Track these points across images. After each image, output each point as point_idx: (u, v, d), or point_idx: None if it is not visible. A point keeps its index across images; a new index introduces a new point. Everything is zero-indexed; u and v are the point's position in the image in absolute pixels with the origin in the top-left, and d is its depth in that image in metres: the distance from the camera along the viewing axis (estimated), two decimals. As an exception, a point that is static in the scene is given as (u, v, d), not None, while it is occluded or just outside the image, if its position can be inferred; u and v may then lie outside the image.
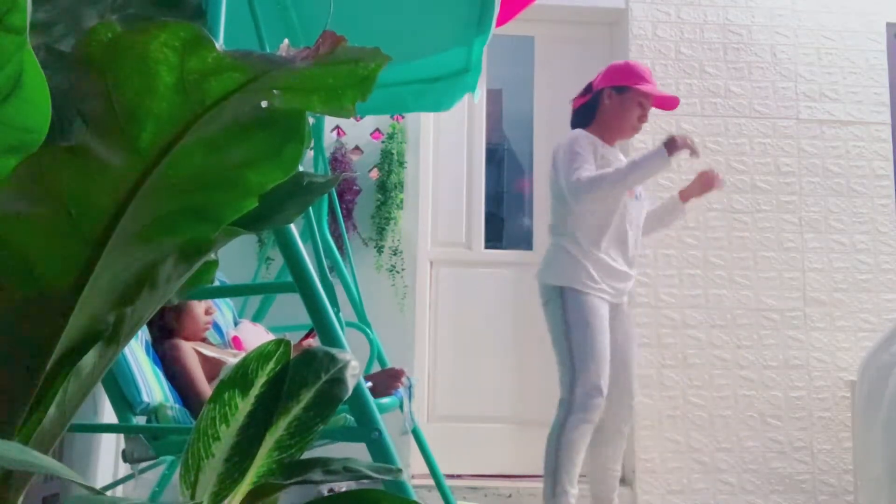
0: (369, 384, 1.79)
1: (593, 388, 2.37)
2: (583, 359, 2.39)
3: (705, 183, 2.63)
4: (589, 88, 2.65)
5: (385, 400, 1.77)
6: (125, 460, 1.54)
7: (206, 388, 1.76)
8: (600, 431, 2.49)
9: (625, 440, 2.60)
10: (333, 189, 2.71)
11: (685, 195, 2.68)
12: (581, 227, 2.50)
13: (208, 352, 1.88)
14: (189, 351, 1.82)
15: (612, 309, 2.54)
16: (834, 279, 3.31)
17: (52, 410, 0.60)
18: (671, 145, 2.40)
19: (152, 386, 1.65)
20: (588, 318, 2.43)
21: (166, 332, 1.87)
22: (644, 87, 2.53)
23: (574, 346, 2.41)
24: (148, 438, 1.54)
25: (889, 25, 3.51)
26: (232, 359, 1.87)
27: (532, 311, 3.42)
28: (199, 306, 1.93)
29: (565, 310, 2.45)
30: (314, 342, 2.12)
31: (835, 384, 3.23)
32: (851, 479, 3.16)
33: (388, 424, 1.36)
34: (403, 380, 1.97)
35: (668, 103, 2.61)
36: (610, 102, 2.56)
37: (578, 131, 2.55)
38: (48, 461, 0.45)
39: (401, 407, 1.88)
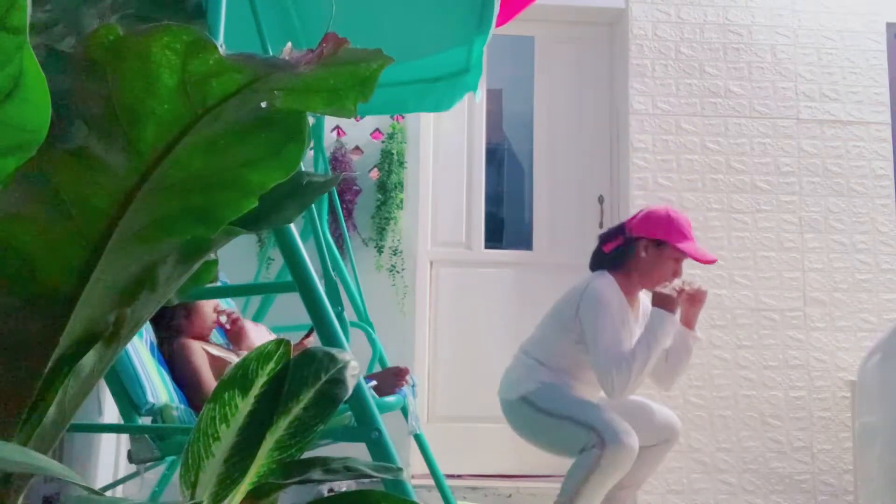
0: (373, 383, 1.79)
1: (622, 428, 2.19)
2: (587, 413, 2.25)
3: (692, 300, 2.38)
4: (621, 230, 2.45)
5: (390, 399, 1.77)
6: (131, 461, 1.54)
7: (215, 387, 1.76)
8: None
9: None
10: (333, 189, 2.71)
11: (688, 321, 2.42)
12: (575, 364, 2.40)
13: (216, 351, 1.88)
14: (199, 350, 1.82)
15: None
16: (834, 279, 3.31)
17: (52, 410, 0.60)
18: (668, 303, 2.27)
19: (157, 386, 1.64)
20: (557, 394, 2.36)
21: (174, 331, 1.87)
22: (683, 247, 2.34)
23: (573, 412, 2.27)
24: (153, 439, 1.54)
25: (889, 25, 3.51)
26: (237, 358, 1.87)
27: (532, 312, 3.42)
28: (207, 304, 1.93)
29: (537, 405, 2.34)
30: (313, 341, 2.12)
31: (835, 384, 3.23)
32: (851, 479, 3.15)
33: (393, 426, 1.36)
34: (407, 378, 1.97)
35: (705, 260, 2.37)
36: (646, 256, 2.37)
37: (609, 280, 2.37)
38: (48, 462, 0.45)
39: (404, 407, 1.88)
